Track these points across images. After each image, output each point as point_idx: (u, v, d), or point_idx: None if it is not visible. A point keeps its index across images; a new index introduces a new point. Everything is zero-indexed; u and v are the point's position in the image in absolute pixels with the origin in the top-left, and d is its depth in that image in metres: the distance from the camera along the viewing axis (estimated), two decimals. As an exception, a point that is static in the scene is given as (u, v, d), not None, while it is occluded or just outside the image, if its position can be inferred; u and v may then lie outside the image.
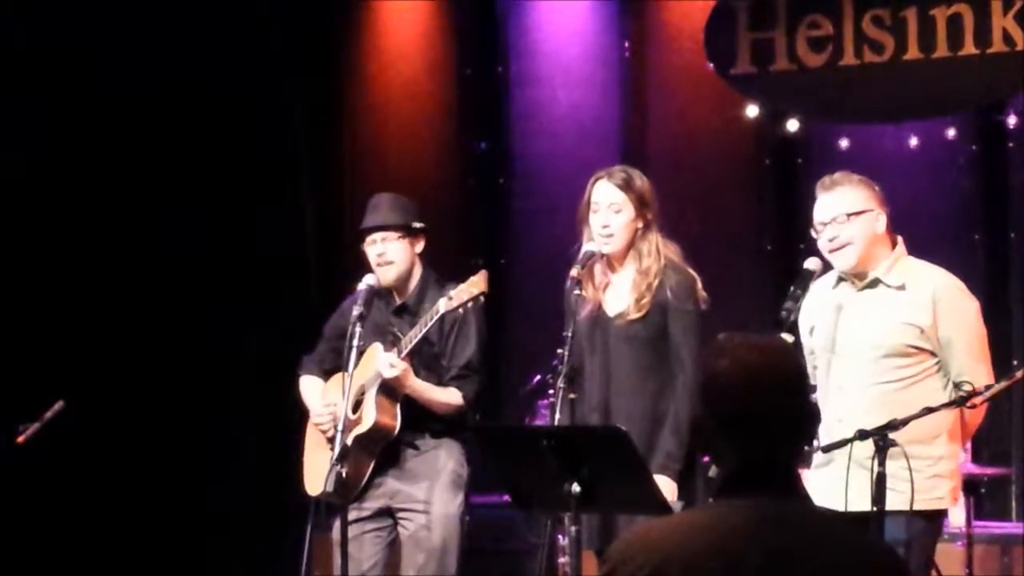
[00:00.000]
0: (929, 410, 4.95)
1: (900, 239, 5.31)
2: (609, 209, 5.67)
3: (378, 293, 6.16)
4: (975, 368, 5.15)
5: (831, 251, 5.24)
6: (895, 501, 4.84)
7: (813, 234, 5.28)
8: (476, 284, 5.86)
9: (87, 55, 8.09)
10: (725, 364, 2.90)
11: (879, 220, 5.23)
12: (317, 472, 6.10)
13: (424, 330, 5.94)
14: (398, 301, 6.24)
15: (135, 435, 8.12)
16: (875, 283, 5.25)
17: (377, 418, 6.02)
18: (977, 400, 5.04)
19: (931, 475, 5.04)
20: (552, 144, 9.07)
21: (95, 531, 8.05)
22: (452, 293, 5.87)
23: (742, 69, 8.41)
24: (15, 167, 7.95)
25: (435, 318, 5.91)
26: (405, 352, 5.98)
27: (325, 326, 6.44)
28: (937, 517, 5.18)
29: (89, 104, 8.10)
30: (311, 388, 6.39)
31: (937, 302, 5.16)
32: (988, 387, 5.00)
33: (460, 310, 5.98)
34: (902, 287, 5.20)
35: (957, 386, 5.13)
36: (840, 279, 5.32)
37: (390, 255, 6.16)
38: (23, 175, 7.98)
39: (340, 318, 6.34)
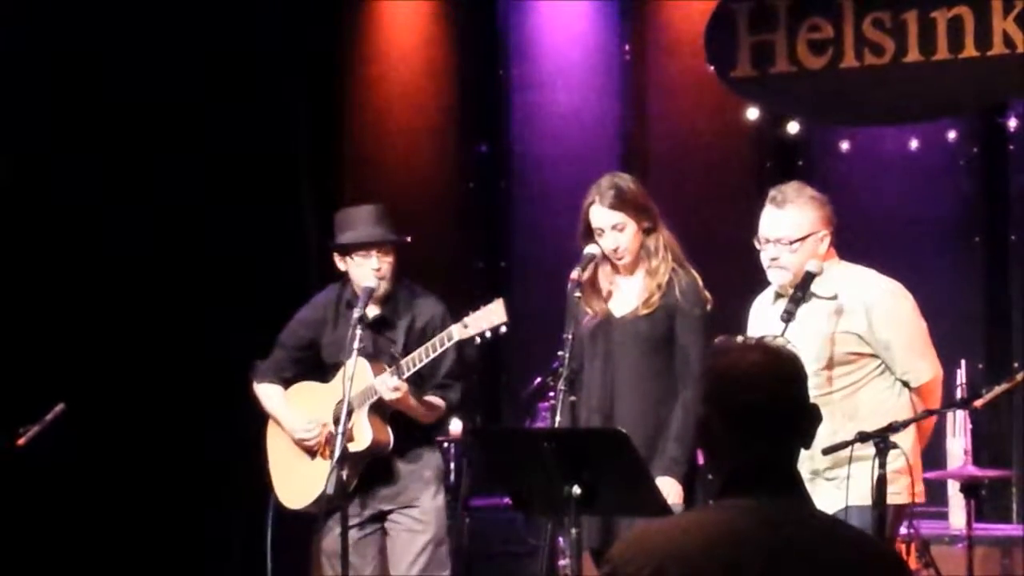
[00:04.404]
0: (929, 412, 4.96)
1: (833, 247, 5.33)
2: (614, 231, 5.67)
3: (348, 303, 6.13)
4: (917, 365, 5.23)
5: (768, 267, 5.30)
6: (857, 496, 4.93)
7: (756, 244, 5.32)
8: (496, 313, 5.81)
9: (86, 53, 8.08)
10: (729, 362, 2.91)
11: (823, 242, 5.28)
12: (297, 484, 6.13)
13: (432, 356, 5.94)
14: (371, 314, 6.12)
15: (135, 437, 8.11)
16: (808, 297, 5.28)
17: (374, 437, 6.03)
18: (978, 403, 5.06)
19: (889, 471, 4.93)
20: (553, 147, 9.07)
21: (95, 533, 8.04)
22: (468, 320, 5.84)
23: (742, 72, 8.40)
24: (15, 167, 7.94)
25: (447, 344, 5.90)
26: (406, 375, 5.97)
27: (282, 335, 6.37)
28: (896, 513, 5.17)
29: (88, 103, 8.10)
30: (275, 398, 6.35)
31: (870, 308, 5.21)
32: (988, 389, 5.01)
33: (439, 322, 6.01)
34: (834, 297, 5.26)
35: (905, 384, 5.22)
36: (778, 295, 5.35)
37: (385, 270, 6.13)
38: (23, 175, 7.98)
39: (302, 328, 6.32)
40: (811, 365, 5.19)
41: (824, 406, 5.03)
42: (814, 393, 5.07)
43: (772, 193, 5.34)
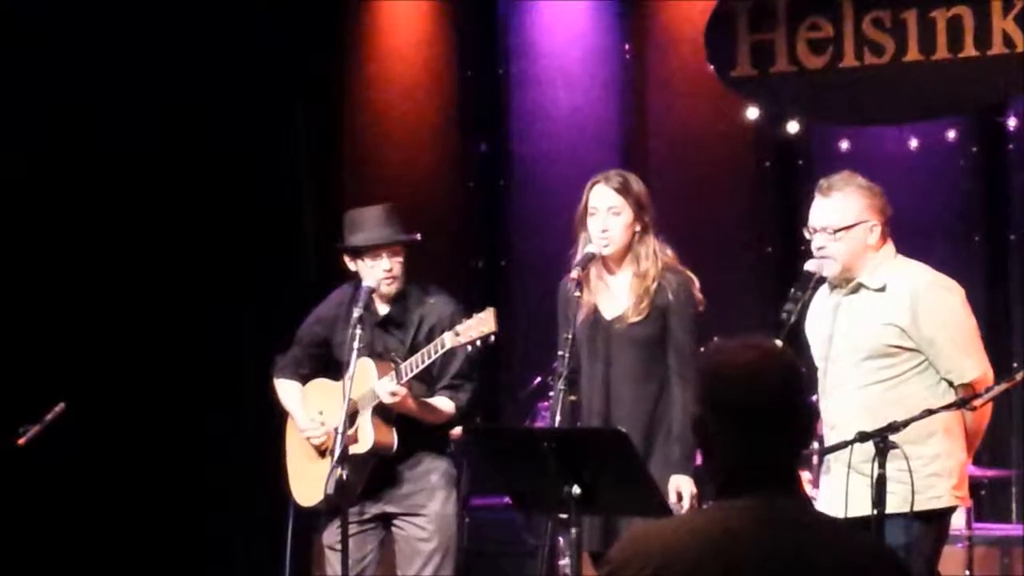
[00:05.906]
0: (929, 412, 4.94)
1: (890, 240, 5.28)
2: (608, 212, 5.68)
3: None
4: (961, 363, 5.13)
5: (817, 257, 5.26)
6: (893, 504, 4.81)
7: (806, 234, 5.27)
8: (486, 323, 5.80)
9: (88, 58, 8.09)
10: (723, 361, 2.91)
11: (873, 232, 5.20)
12: (308, 482, 6.12)
13: (428, 362, 5.92)
14: (380, 312, 6.18)
15: (136, 437, 8.12)
16: (858, 288, 5.24)
17: (376, 439, 6.02)
18: (977, 403, 5.04)
19: (928, 474, 5.00)
20: (552, 146, 9.08)
21: (96, 533, 8.04)
22: (460, 328, 5.83)
23: (742, 71, 8.41)
24: (15, 167, 7.94)
25: (440, 352, 5.88)
26: (405, 379, 5.97)
27: (300, 331, 6.39)
28: (940, 517, 5.15)
29: (89, 104, 8.10)
30: (292, 394, 6.35)
31: (915, 301, 5.13)
32: (988, 389, 4.99)
33: (448, 323, 5.99)
34: (882, 289, 5.19)
35: (949, 383, 5.14)
36: (833, 285, 5.32)
37: (397, 270, 6.13)
38: (23, 175, 7.98)
39: (317, 325, 6.32)
40: (851, 357, 5.18)
41: (864, 399, 5.10)
42: (854, 386, 5.13)
43: (820, 182, 5.26)
